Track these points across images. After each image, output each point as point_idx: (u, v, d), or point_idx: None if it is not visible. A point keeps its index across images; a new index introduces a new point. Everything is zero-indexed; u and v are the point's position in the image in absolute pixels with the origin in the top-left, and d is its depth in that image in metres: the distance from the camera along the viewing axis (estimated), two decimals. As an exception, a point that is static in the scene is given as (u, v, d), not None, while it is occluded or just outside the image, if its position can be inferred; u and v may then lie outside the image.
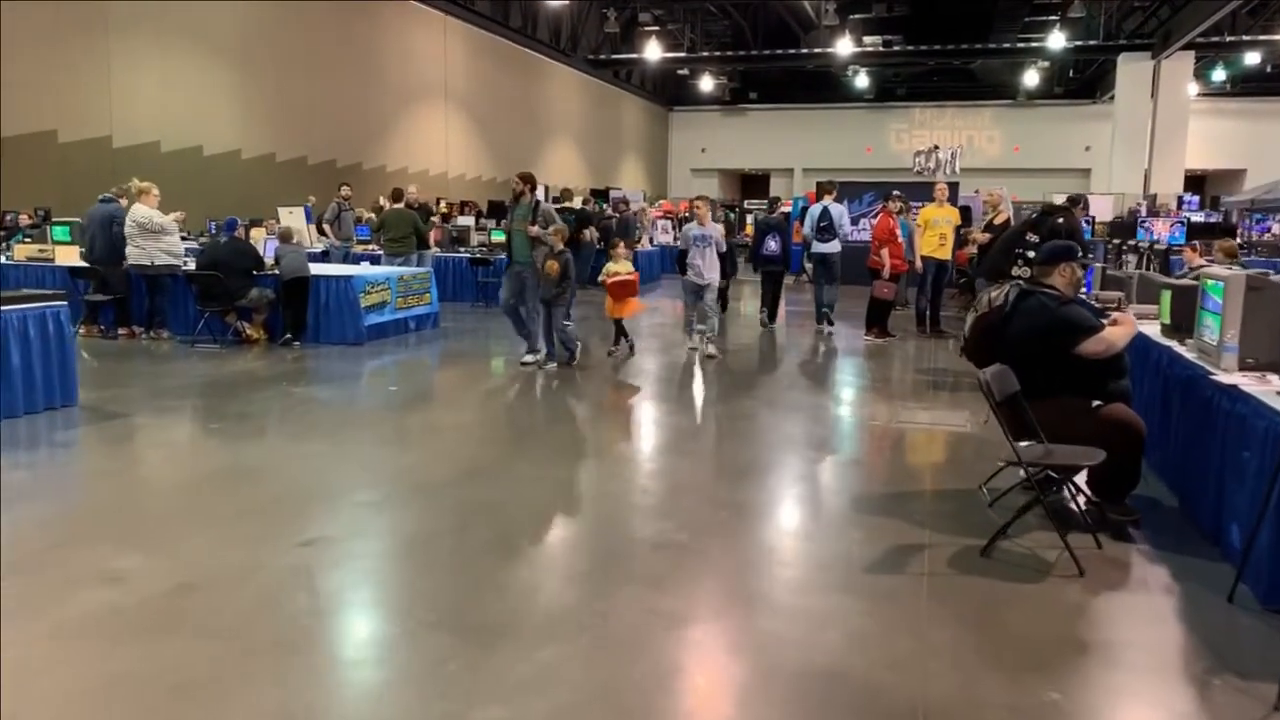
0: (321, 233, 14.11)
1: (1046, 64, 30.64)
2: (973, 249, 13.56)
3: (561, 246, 9.16)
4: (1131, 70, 27.06)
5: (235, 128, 17.71)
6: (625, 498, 5.61)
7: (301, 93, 19.45)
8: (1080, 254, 5.52)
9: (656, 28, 28.92)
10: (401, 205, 13.46)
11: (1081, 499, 5.17)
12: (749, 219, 31.55)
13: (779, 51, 29.98)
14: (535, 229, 9.09)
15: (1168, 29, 25.89)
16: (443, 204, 23.27)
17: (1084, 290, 5.85)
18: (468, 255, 15.25)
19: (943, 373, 9.81)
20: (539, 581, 4.35)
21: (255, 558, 4.45)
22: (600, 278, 10.20)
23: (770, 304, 13.05)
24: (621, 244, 10.97)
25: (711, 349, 10.11)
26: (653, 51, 28.64)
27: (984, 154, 33.68)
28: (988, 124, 34.66)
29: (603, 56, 30.53)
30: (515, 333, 9.80)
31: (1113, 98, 30.47)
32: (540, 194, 10.19)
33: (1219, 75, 30.35)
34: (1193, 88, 27.75)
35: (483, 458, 6.40)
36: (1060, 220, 8.36)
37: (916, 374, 9.87)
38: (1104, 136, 32.35)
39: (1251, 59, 29.03)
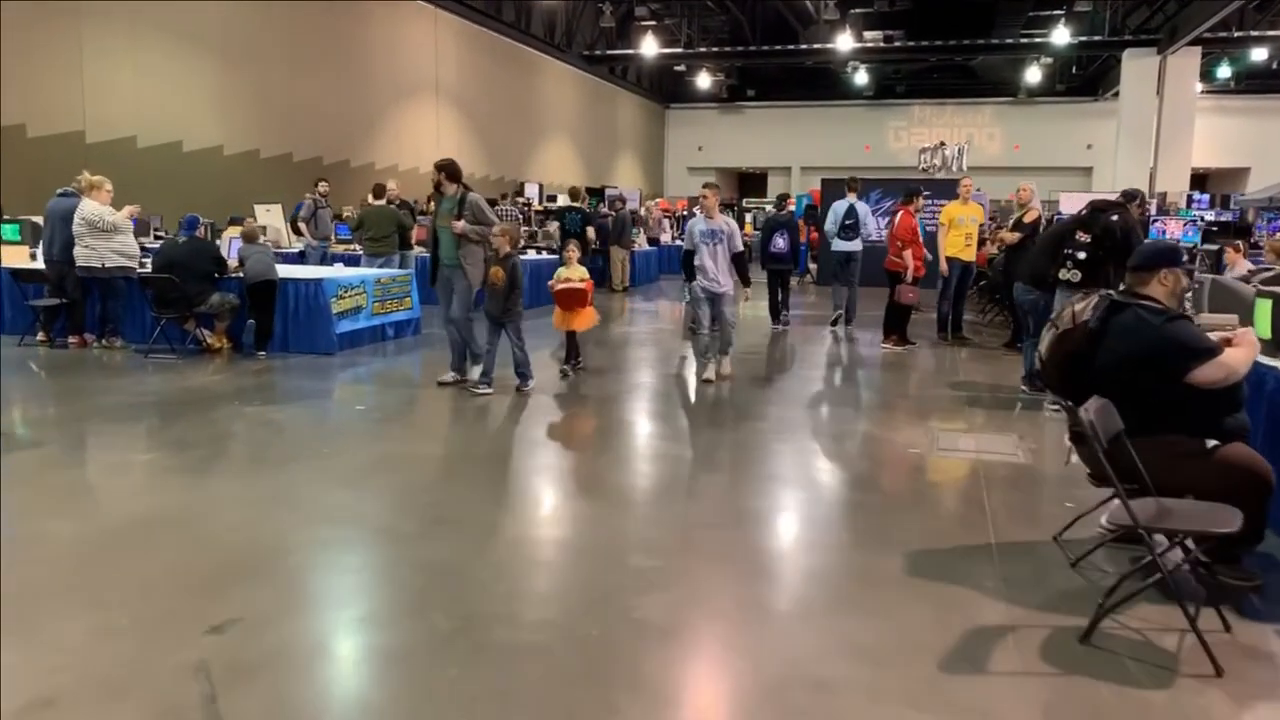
0: (297, 231, 12.97)
1: (1050, 60, 29.57)
2: (993, 249, 12.46)
3: (508, 250, 7.73)
4: (1137, 66, 26.13)
5: (216, 123, 16.62)
6: (617, 560, 4.46)
7: (286, 87, 18.39)
8: (1183, 258, 4.43)
9: (653, 23, 27.77)
10: (383, 202, 12.35)
11: (1179, 554, 4.08)
12: (748, 218, 30.51)
13: (778, 47, 28.90)
14: (462, 224, 7.78)
15: (1174, 24, 24.93)
16: (431, 203, 22.31)
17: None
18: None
19: (975, 387, 8.70)
20: (511, 693, 3.22)
21: (143, 655, 3.33)
22: (550, 283, 8.92)
23: (779, 303, 12.45)
24: (573, 244, 9.31)
25: (727, 367, 8.67)
26: (649, 47, 27.54)
27: (984, 152, 32.53)
28: (988, 122, 33.57)
29: (598, 52, 29.42)
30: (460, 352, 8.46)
31: (1115, 95, 29.58)
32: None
33: (1223, 72, 29.30)
34: (1196, 85, 26.76)
35: (450, 503, 5.25)
36: (1115, 217, 7.25)
37: (948, 388, 8.74)
38: (1106, 134, 31.47)
39: (1258, 55, 28.02)
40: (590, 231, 16.15)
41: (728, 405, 7.83)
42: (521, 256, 13.53)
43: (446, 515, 4.97)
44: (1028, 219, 10.20)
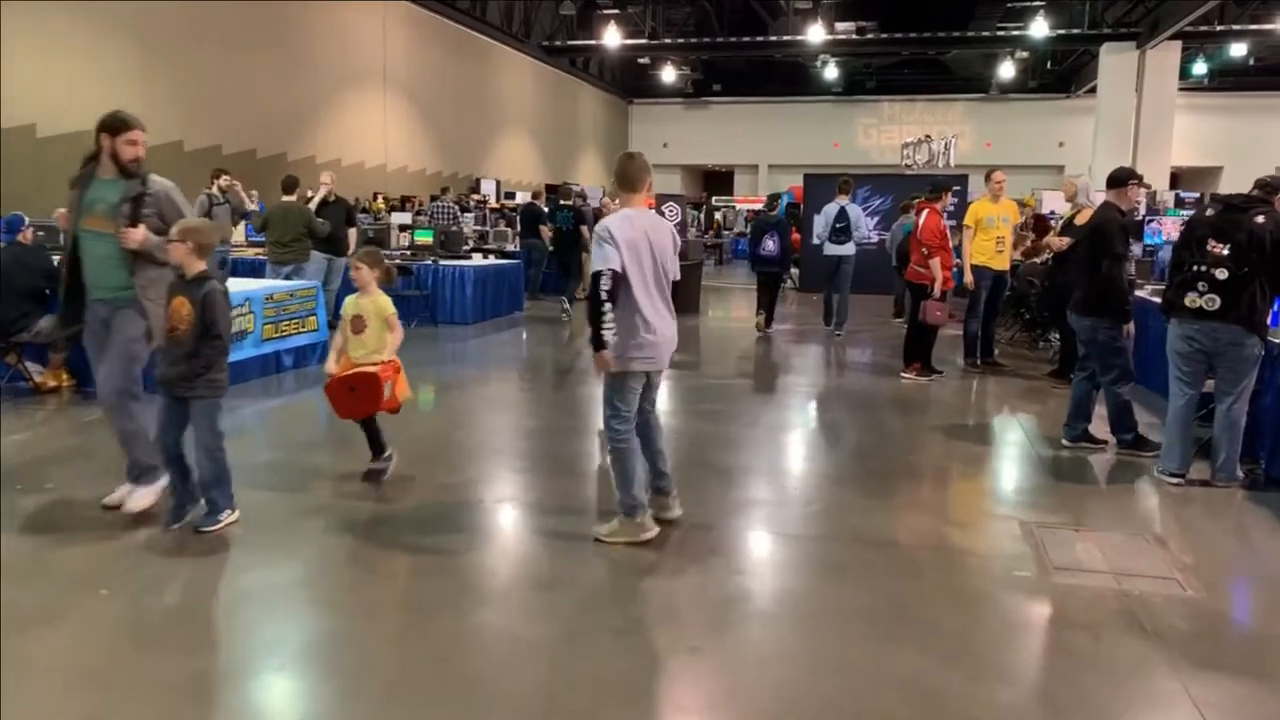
0: (190, 234, 10.34)
1: (1025, 55, 27.48)
2: (1024, 256, 10.18)
3: (200, 268, 4.29)
4: (1115, 61, 24.32)
5: (132, 110, 13.82)
6: None
7: (215, 72, 15.85)
8: None
9: (616, 12, 25.24)
10: (292, 198, 9.79)
11: None
12: (717, 216, 28.16)
13: (745, 39, 26.52)
14: (140, 234, 4.40)
15: (1155, 17, 23.04)
16: (379, 199, 19.73)
17: None
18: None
19: (1044, 441, 6.35)
20: None
21: None
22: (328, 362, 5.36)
23: (767, 308, 11.25)
24: (364, 262, 5.29)
25: (677, 508, 4.62)
26: (612, 38, 25.01)
27: (955, 149, 30.45)
28: (959, 118, 31.44)
29: (558, 43, 26.83)
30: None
31: (1088, 91, 27.82)
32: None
33: (1198, 69, 27.46)
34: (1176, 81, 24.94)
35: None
36: (1261, 219, 4.97)
37: (1010, 444, 6.39)
38: (1078, 132, 29.61)
39: (1238, 50, 26.21)
40: (585, 231, 13.69)
41: (704, 481, 5.40)
42: (468, 262, 11.31)
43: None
44: (1080, 220, 7.90)
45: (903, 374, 8.30)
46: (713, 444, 6.08)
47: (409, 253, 11.54)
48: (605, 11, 25.20)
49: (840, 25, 25.16)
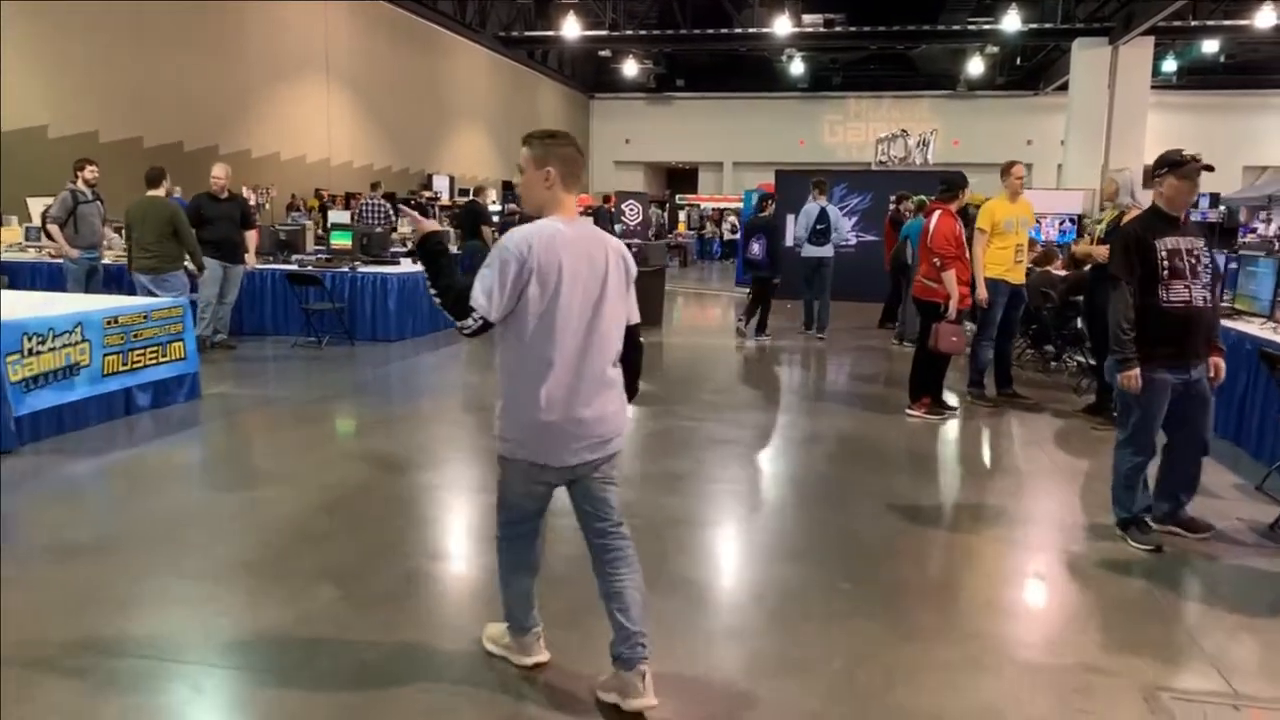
0: (48, 236, 8.36)
1: (995, 50, 25.98)
2: (1032, 261, 8.51)
3: None
4: (1087, 57, 22.90)
5: (39, 97, 12.24)
6: None
7: (134, 57, 13.93)
8: None
9: (575, 2, 23.33)
10: (159, 193, 7.82)
11: None
12: (681, 215, 26.42)
13: (710, 32, 24.72)
14: None
15: (1129, 12, 21.61)
16: (324, 195, 17.84)
17: None
18: (290, 268, 9.47)
19: (1101, 529, 4.63)
20: None
21: None
22: None
23: (751, 313, 10.37)
24: None
25: (645, 697, 2.73)
26: (571, 29, 23.13)
27: (934, 145, 28.97)
28: (925, 116, 29.86)
29: (515, 34, 24.87)
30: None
31: (1058, 89, 26.48)
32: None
33: (1167, 67, 26.16)
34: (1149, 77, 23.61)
35: None
36: None
37: (1076, 530, 4.64)
38: (1047, 130, 28.26)
39: (1210, 47, 24.96)
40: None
41: (674, 579, 3.65)
42: (394, 269, 9.27)
43: None
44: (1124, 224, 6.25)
45: (908, 410, 6.58)
46: (679, 533, 4.31)
47: (325, 258, 9.59)
48: (564, 1, 23.29)
49: (807, 18, 23.51)
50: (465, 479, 5.26)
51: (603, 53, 27.64)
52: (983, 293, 6.57)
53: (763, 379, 8.41)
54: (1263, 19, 21.42)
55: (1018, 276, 6.88)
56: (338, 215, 13.66)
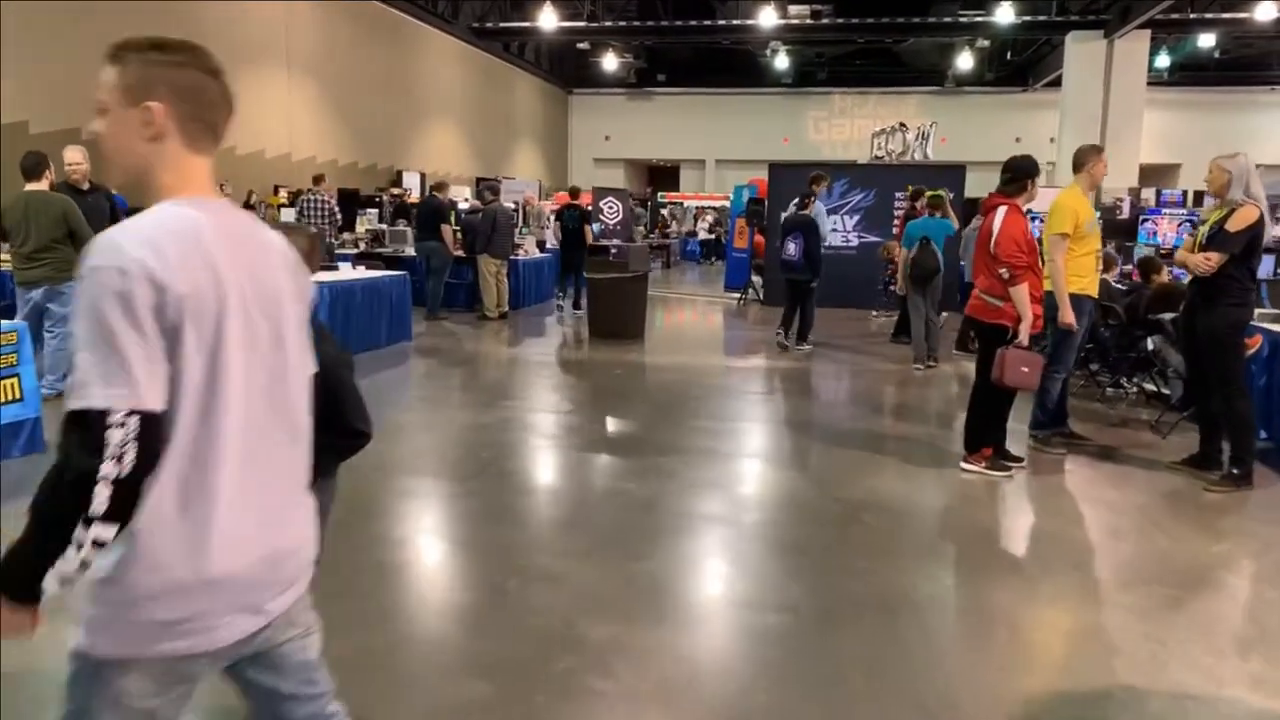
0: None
1: (984, 44, 24.44)
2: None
3: None
4: (1082, 51, 21.53)
5: None
6: None
7: (70, 43, 12.14)
8: None
9: (552, -9, 21.58)
10: (42, 186, 6.11)
11: None
12: (665, 212, 24.74)
13: (692, 24, 23.02)
14: None
15: (1126, 4, 20.17)
16: (282, 193, 16.08)
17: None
18: None
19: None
20: None
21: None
22: None
23: (788, 321, 9.11)
24: None
25: None
26: (548, 20, 21.37)
27: (933, 139, 27.48)
28: (912, 113, 28.25)
29: (489, 25, 23.07)
30: None
31: (1047, 85, 25.05)
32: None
33: (1160, 62, 24.75)
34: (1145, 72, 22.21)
35: None
36: None
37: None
38: (1035, 127, 26.79)
39: (1206, 41, 23.57)
40: (588, 230, 10.57)
41: None
42: (324, 276, 7.45)
43: None
44: (1234, 226, 4.63)
45: (964, 463, 4.92)
46: None
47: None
48: (540, -10, 21.53)
49: (794, 9, 21.87)
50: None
51: (581, 45, 25.86)
52: (1069, 315, 4.92)
53: (766, 413, 6.73)
54: (1263, 12, 20.06)
55: (1096, 289, 5.25)
56: (287, 215, 11.95)
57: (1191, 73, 25.82)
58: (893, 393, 7.44)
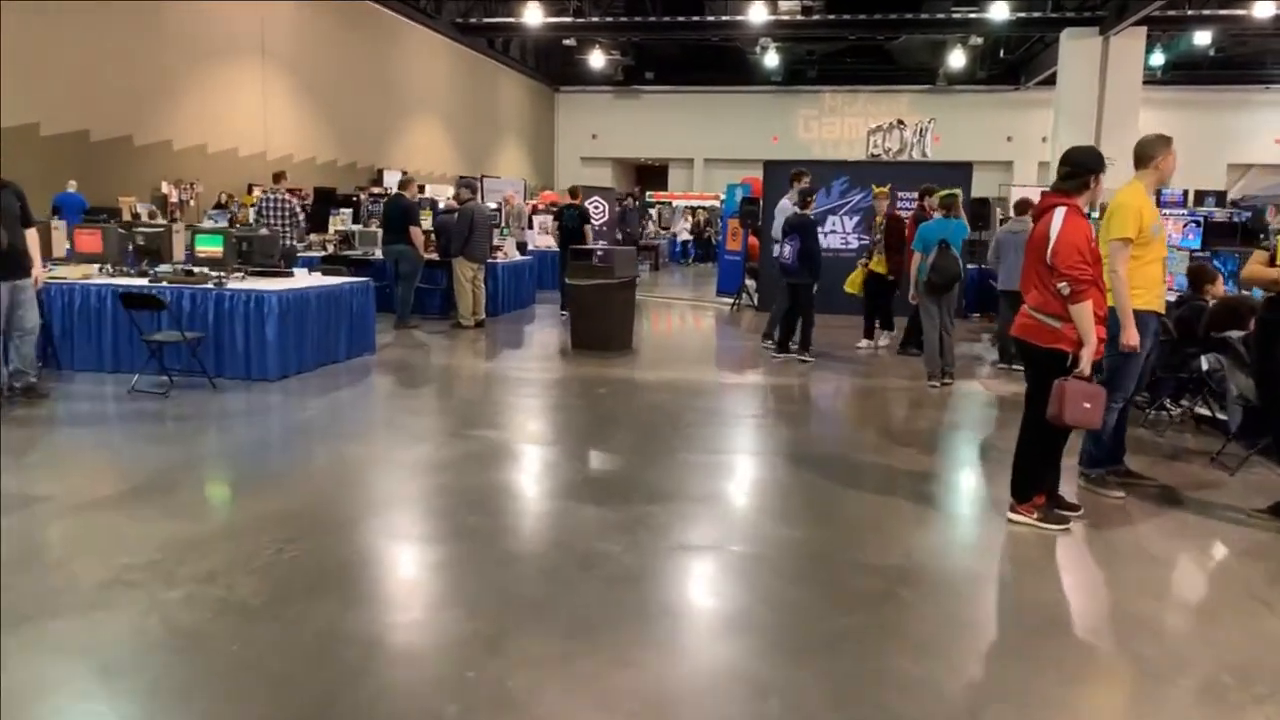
0: None
1: (977, 42, 23.59)
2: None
3: None
4: (1077, 48, 20.77)
5: None
6: None
7: (32, 35, 11.50)
8: None
9: (537, -15, 20.61)
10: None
11: None
12: (652, 211, 23.80)
13: (681, 20, 22.12)
14: None
15: (1122, 1, 19.39)
16: (256, 192, 15.13)
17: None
18: (126, 283, 6.69)
19: None
20: None
21: None
22: None
23: (789, 328, 8.36)
24: None
25: None
26: (533, 16, 20.43)
27: (930, 135, 26.64)
28: (904, 111, 27.36)
29: (473, 20, 22.13)
30: None
31: (1040, 83, 24.27)
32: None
33: (1155, 60, 23.97)
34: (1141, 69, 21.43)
35: None
36: None
37: None
38: (1027, 126, 26.01)
39: (1201, 39, 22.82)
40: (588, 230, 9.86)
41: None
42: (275, 285, 6.33)
43: None
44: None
45: (1012, 513, 4.03)
46: None
47: (184, 272, 6.82)
48: (526, -16, 20.57)
49: (784, 4, 20.98)
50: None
51: (568, 42, 24.90)
52: (1133, 335, 4.05)
53: (769, 444, 5.80)
54: (1261, 9, 19.30)
55: (1161, 304, 4.38)
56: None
57: (1185, 71, 25.08)
58: (910, 417, 6.55)
